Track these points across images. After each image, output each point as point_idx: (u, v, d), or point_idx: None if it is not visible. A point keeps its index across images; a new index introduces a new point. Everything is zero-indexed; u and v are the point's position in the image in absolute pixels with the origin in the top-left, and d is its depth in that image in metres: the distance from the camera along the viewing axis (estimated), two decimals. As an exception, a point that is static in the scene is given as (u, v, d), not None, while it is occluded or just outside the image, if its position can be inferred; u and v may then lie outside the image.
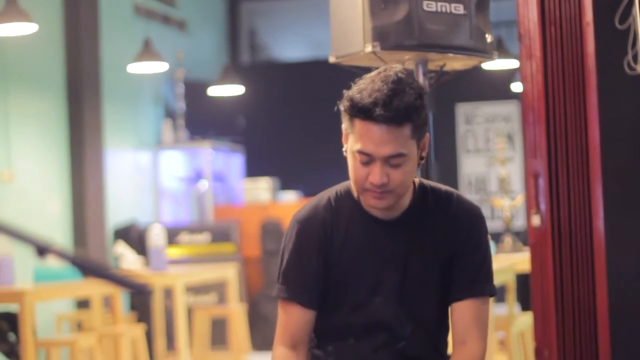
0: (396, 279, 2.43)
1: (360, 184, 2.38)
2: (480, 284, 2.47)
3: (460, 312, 2.44)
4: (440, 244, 2.46)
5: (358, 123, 2.33)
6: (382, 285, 2.42)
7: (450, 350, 2.51)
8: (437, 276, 2.46)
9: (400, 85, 2.31)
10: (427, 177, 3.20)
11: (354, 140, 2.35)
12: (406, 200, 2.46)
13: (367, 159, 2.34)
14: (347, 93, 2.37)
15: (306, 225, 2.46)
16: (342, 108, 2.38)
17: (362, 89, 2.34)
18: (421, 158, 2.41)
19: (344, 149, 2.43)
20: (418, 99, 2.32)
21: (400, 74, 2.35)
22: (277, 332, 2.48)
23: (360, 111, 2.31)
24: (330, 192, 2.52)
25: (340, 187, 2.52)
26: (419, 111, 2.32)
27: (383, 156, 2.32)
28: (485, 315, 2.47)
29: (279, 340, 2.47)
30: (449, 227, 2.47)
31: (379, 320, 2.44)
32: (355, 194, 2.48)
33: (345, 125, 2.40)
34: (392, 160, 2.33)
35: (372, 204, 2.40)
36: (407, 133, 2.32)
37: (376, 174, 2.33)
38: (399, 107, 2.28)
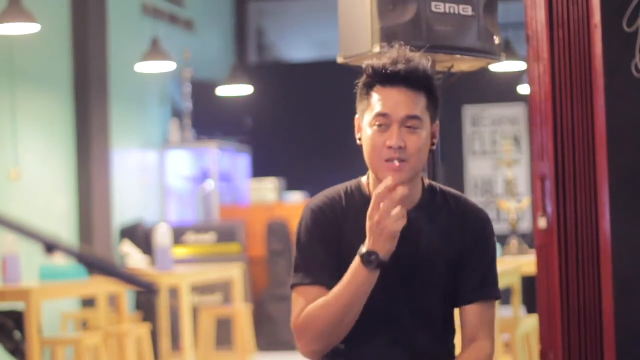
0: (403, 275, 2.44)
1: (378, 154, 2.41)
2: (488, 287, 2.51)
3: (470, 314, 2.49)
4: (447, 243, 2.49)
5: (376, 92, 2.42)
6: (389, 281, 2.41)
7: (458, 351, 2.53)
8: (442, 274, 2.48)
9: (415, 55, 2.44)
10: (434, 179, 3.20)
11: (371, 110, 2.42)
12: (416, 197, 2.49)
13: (384, 121, 2.39)
14: (363, 70, 2.46)
15: (321, 213, 2.49)
16: (359, 89, 2.46)
17: (379, 58, 2.43)
18: (432, 144, 2.46)
19: (358, 137, 2.49)
20: (432, 72, 2.44)
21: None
22: (295, 314, 2.44)
23: (381, 74, 2.40)
24: (341, 187, 2.55)
25: (351, 183, 2.56)
26: (434, 84, 2.44)
27: (401, 117, 2.39)
28: (492, 318, 2.51)
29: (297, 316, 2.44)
30: (457, 227, 2.50)
31: (386, 316, 2.45)
32: (364, 187, 2.51)
33: (360, 109, 2.47)
34: (409, 122, 2.39)
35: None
36: (423, 102, 2.42)
37: (393, 136, 2.38)
38: (417, 67, 2.40)
